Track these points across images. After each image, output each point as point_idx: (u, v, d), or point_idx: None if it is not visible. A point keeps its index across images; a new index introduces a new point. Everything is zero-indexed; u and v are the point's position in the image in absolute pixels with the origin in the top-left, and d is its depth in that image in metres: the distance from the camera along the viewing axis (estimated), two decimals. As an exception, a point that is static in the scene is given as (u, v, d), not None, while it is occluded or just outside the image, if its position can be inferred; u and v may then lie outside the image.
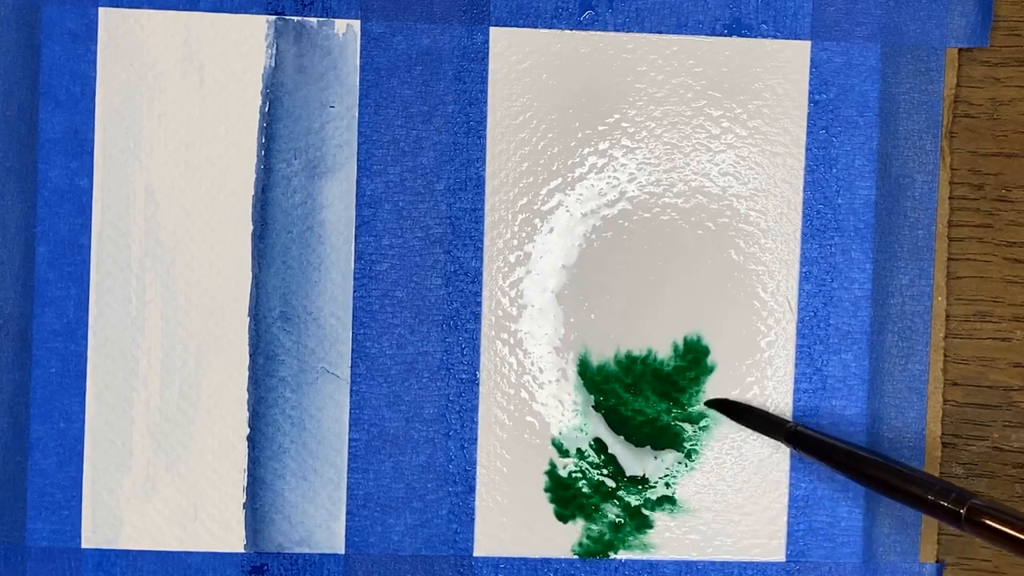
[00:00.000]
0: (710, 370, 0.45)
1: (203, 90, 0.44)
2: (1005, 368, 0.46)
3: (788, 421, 0.44)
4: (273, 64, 0.44)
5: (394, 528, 0.45)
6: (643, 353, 0.45)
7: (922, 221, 0.45)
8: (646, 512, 0.45)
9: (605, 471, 0.45)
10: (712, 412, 0.45)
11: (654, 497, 0.45)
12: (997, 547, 0.37)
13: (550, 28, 0.45)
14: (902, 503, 0.40)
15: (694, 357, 0.45)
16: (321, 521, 0.45)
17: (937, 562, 0.45)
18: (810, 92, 0.45)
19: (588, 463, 0.45)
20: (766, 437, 0.45)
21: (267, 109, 0.44)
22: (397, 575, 0.45)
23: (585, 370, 0.45)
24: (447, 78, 0.45)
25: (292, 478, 0.45)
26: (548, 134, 0.45)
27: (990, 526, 0.37)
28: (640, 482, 0.45)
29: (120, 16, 0.44)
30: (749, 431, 0.45)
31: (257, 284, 0.45)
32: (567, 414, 0.45)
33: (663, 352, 0.45)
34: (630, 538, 0.45)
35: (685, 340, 0.45)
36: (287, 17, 0.44)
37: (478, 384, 0.45)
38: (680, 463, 0.45)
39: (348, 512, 0.45)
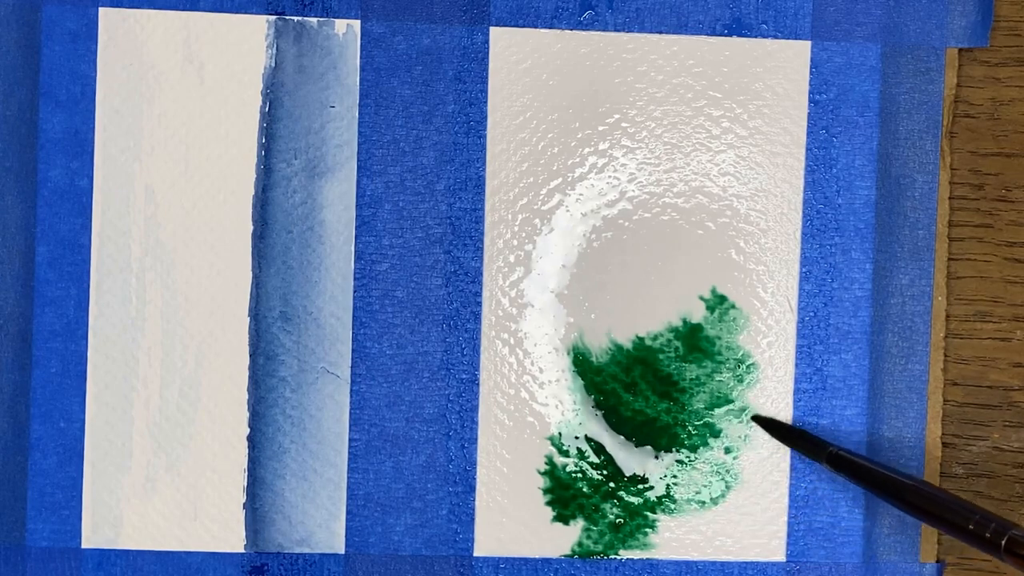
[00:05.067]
0: (711, 370, 0.45)
1: (203, 90, 0.44)
2: (1005, 368, 0.46)
3: (830, 444, 0.43)
4: (273, 64, 0.44)
5: (394, 528, 0.45)
6: (643, 353, 0.45)
7: (922, 221, 0.45)
8: (646, 512, 0.45)
9: (605, 471, 0.45)
10: (711, 412, 0.45)
11: (654, 497, 0.45)
12: None
13: (550, 28, 0.45)
14: (941, 530, 0.40)
15: (695, 357, 0.45)
16: (321, 521, 0.45)
17: (937, 562, 0.45)
18: (810, 92, 0.45)
19: (588, 463, 0.45)
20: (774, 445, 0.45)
21: (267, 109, 0.44)
22: (397, 575, 0.45)
23: (585, 370, 0.45)
24: (447, 78, 0.45)
25: (292, 478, 0.45)
26: (548, 134, 0.45)
27: None
28: (640, 482, 0.45)
29: (120, 16, 0.44)
30: (751, 429, 0.45)
31: (257, 284, 0.45)
32: (567, 414, 0.45)
33: (663, 352, 0.45)
34: (630, 538, 0.45)
35: (685, 340, 0.45)
36: (287, 17, 0.44)
37: (478, 384, 0.45)
38: (680, 463, 0.45)
39: (348, 512, 0.45)
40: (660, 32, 0.45)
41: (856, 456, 0.43)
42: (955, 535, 0.39)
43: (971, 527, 0.38)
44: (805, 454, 0.44)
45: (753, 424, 0.45)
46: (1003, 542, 0.37)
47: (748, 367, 0.45)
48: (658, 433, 0.45)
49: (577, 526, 0.45)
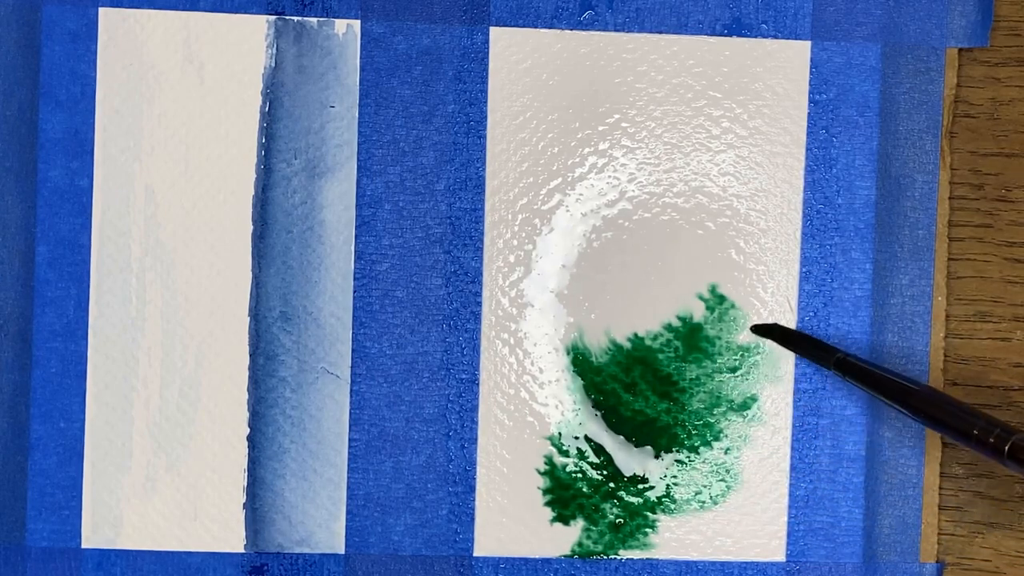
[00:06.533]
0: (711, 370, 0.45)
1: (203, 90, 0.44)
2: (1005, 368, 0.46)
3: (837, 349, 0.43)
4: (273, 64, 0.44)
5: (394, 528, 0.45)
6: (643, 353, 0.45)
7: (922, 221, 0.45)
8: (646, 512, 0.45)
9: (605, 471, 0.45)
10: (711, 412, 0.45)
11: (654, 497, 0.45)
12: None
13: (550, 28, 0.45)
14: (946, 436, 0.41)
15: (694, 357, 0.45)
16: (321, 521, 0.45)
17: (937, 562, 0.45)
18: (810, 92, 0.45)
19: (588, 463, 0.45)
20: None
21: (267, 109, 0.44)
22: (397, 575, 0.45)
23: (584, 370, 0.45)
24: (447, 78, 0.45)
25: (292, 478, 0.45)
26: (548, 134, 0.45)
27: None
28: (640, 482, 0.45)
29: (120, 16, 0.44)
30: (751, 429, 0.45)
31: (257, 284, 0.45)
32: (567, 414, 0.45)
33: (663, 352, 0.45)
34: (630, 538, 0.45)
35: (685, 340, 0.45)
36: (287, 17, 0.44)
37: (478, 384, 0.45)
38: (680, 463, 0.45)
39: (348, 512, 0.45)
40: (660, 32, 0.45)
41: (863, 362, 0.43)
42: (959, 440, 0.40)
43: (975, 432, 0.39)
44: (812, 360, 0.44)
45: (753, 424, 0.45)
46: (1007, 447, 0.38)
47: (748, 367, 0.45)
48: (658, 433, 0.45)
49: (577, 526, 0.45)
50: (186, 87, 0.44)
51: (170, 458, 0.44)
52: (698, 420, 0.45)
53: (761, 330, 0.45)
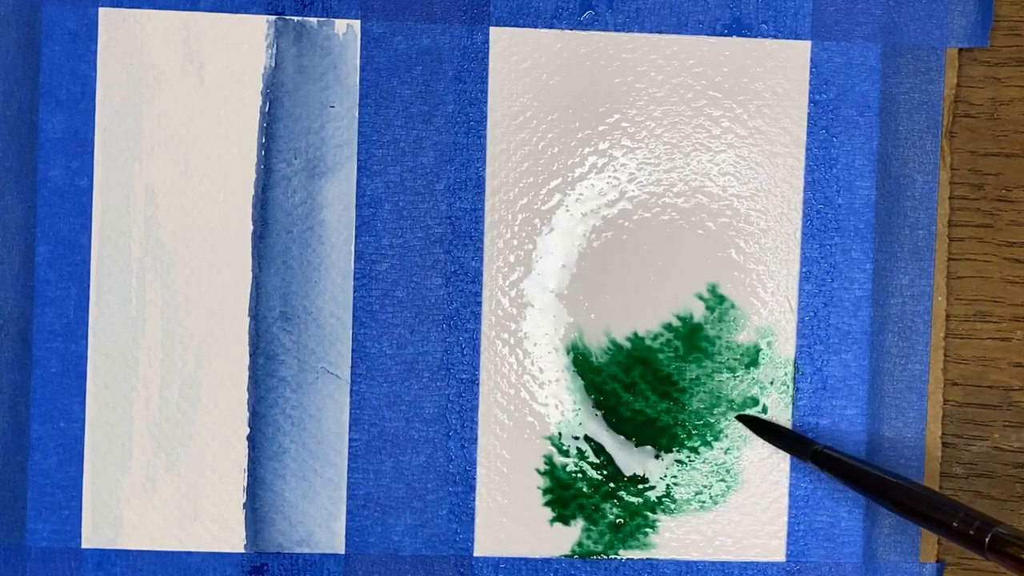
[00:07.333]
0: (711, 370, 0.45)
1: (203, 90, 0.44)
2: (1005, 368, 0.46)
3: (815, 442, 0.43)
4: (273, 64, 0.44)
5: (394, 528, 0.45)
6: (643, 353, 0.45)
7: (922, 221, 0.45)
8: (646, 512, 0.45)
9: (605, 471, 0.45)
10: (711, 412, 0.45)
11: (654, 497, 0.45)
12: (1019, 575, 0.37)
13: (550, 28, 0.45)
14: (926, 528, 0.40)
15: (694, 357, 0.45)
16: (321, 521, 0.45)
17: (937, 562, 0.45)
18: (810, 92, 0.45)
19: (588, 463, 0.45)
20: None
21: (267, 109, 0.44)
22: (397, 575, 0.45)
23: (585, 370, 0.45)
24: (447, 78, 0.45)
25: (292, 478, 0.45)
26: (548, 134, 0.45)
27: (1012, 555, 0.37)
28: (640, 482, 0.45)
29: (120, 16, 0.44)
30: (751, 432, 0.45)
31: (257, 284, 0.45)
32: (567, 414, 0.45)
33: (663, 352, 0.45)
34: (630, 538, 0.45)
35: (685, 340, 0.45)
36: (287, 17, 0.44)
37: (478, 384, 0.45)
38: (680, 463, 0.45)
39: (348, 512, 0.45)
40: (660, 32, 0.45)
41: (841, 454, 0.43)
42: (939, 533, 0.39)
43: (955, 524, 0.39)
44: (790, 452, 0.44)
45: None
46: (987, 540, 0.38)
47: (748, 367, 0.45)
48: (658, 433, 0.45)
49: (577, 526, 0.45)
50: (186, 87, 0.44)
51: (170, 458, 0.44)
52: (698, 420, 0.45)
53: (744, 420, 0.45)
